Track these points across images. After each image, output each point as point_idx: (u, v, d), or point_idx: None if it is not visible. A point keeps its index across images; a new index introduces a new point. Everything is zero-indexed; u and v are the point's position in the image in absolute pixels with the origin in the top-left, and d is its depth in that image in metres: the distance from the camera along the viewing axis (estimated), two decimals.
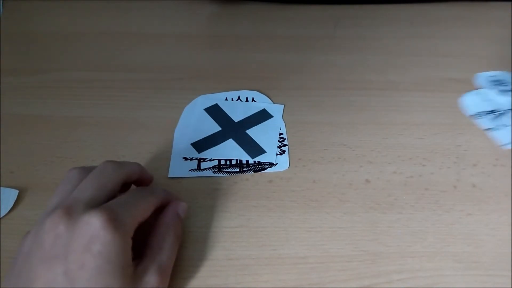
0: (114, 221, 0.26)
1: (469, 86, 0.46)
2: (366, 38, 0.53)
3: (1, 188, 0.35)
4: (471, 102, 0.41)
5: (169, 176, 0.37)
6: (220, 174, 0.37)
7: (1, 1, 0.58)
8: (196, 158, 0.38)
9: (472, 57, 0.50)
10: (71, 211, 0.26)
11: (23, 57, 0.51)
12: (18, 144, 0.40)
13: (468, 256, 0.31)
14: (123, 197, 0.29)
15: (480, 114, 0.39)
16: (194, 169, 0.37)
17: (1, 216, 0.34)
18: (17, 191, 0.35)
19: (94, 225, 0.25)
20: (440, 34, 0.54)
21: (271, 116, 0.42)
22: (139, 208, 0.29)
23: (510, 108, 0.39)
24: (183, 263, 0.31)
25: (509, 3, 0.58)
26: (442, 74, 0.48)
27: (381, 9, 0.58)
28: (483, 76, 0.42)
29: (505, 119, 0.38)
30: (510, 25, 0.55)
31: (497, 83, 0.41)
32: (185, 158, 0.38)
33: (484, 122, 0.39)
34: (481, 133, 0.40)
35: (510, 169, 0.37)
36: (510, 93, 0.40)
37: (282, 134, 0.41)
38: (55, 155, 0.39)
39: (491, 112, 0.39)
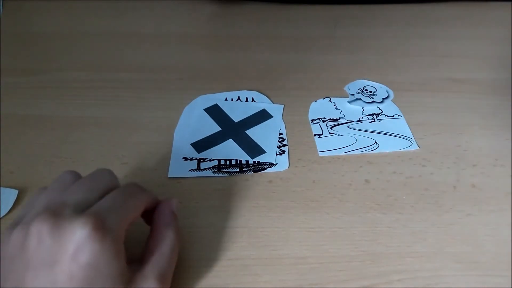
0: (101, 229, 0.24)
1: (469, 86, 0.46)
2: (366, 38, 0.53)
3: (1, 188, 0.35)
4: (315, 108, 0.43)
5: (169, 176, 0.37)
6: (220, 174, 0.37)
7: (1, 1, 0.58)
8: (196, 158, 0.38)
9: (472, 57, 0.50)
10: (57, 215, 0.25)
11: (23, 57, 0.51)
12: (18, 144, 0.40)
13: (468, 256, 0.31)
14: (111, 195, 0.27)
15: (317, 120, 0.41)
16: (194, 169, 0.37)
17: (1, 216, 0.34)
18: (17, 191, 0.35)
19: (80, 234, 0.24)
20: (440, 34, 0.54)
21: (271, 116, 0.42)
22: (128, 208, 0.27)
23: (353, 120, 0.41)
24: (183, 263, 0.31)
25: (509, 3, 0.58)
26: (442, 74, 0.48)
27: (381, 9, 0.58)
28: (356, 84, 0.44)
29: (340, 129, 0.40)
30: (510, 25, 0.55)
31: (368, 93, 0.43)
32: (185, 158, 0.38)
33: (316, 128, 0.40)
34: (480, 133, 0.41)
35: (510, 169, 0.37)
36: (374, 104, 0.42)
37: (282, 134, 0.41)
38: (55, 155, 0.39)
39: (332, 120, 0.41)
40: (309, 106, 0.43)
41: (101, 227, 0.24)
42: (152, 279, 0.26)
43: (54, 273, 0.24)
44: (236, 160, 0.38)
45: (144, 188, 0.30)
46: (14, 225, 0.26)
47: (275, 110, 0.43)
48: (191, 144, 0.39)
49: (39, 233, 0.24)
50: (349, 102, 0.44)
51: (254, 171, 0.37)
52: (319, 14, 0.57)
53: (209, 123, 0.42)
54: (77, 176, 0.29)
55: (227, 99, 0.44)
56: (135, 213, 0.28)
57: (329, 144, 0.39)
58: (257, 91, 0.45)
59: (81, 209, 0.25)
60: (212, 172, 0.37)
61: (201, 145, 0.39)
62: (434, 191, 0.36)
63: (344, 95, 0.45)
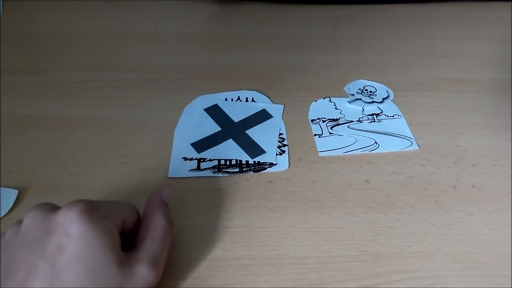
0: (92, 210, 0.25)
1: (469, 86, 0.46)
2: (366, 38, 0.53)
3: (1, 188, 0.35)
4: (315, 108, 0.43)
5: (169, 176, 0.37)
6: (220, 174, 0.37)
7: (1, 1, 0.58)
8: (196, 158, 0.38)
9: (472, 57, 0.50)
10: (52, 204, 0.26)
11: (23, 57, 0.51)
12: (18, 144, 0.40)
13: (468, 256, 0.31)
14: (106, 200, 0.29)
15: (317, 120, 0.41)
16: (194, 169, 0.37)
17: (1, 216, 0.34)
18: (17, 191, 0.35)
19: (72, 212, 0.25)
20: (440, 34, 0.54)
21: (271, 116, 0.42)
22: (119, 206, 0.29)
23: (353, 120, 0.41)
24: (183, 263, 0.31)
25: (509, 3, 0.58)
26: (442, 74, 0.48)
27: (381, 9, 0.58)
28: (356, 84, 0.44)
29: (340, 129, 0.40)
30: (510, 25, 0.55)
31: (367, 93, 0.43)
32: (185, 158, 0.38)
33: (316, 128, 0.40)
34: (480, 133, 0.41)
35: (510, 169, 0.37)
36: (374, 104, 0.42)
37: (282, 134, 0.41)
38: (55, 155, 0.39)
39: (332, 120, 0.41)
40: (309, 106, 0.43)
41: (93, 208, 0.26)
42: (145, 263, 0.26)
43: (43, 247, 0.24)
44: (236, 160, 0.38)
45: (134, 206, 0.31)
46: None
47: (275, 110, 0.43)
48: (191, 144, 0.39)
49: (34, 215, 0.26)
50: (349, 102, 0.44)
51: (254, 171, 0.37)
52: (319, 14, 0.57)
53: (209, 123, 0.42)
54: None
55: (227, 99, 0.44)
56: (126, 214, 0.28)
57: (329, 144, 0.39)
58: (257, 91, 0.45)
59: None
60: (212, 172, 0.37)
61: (201, 145, 0.39)
62: (434, 191, 0.36)
63: (344, 95, 0.45)
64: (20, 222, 0.26)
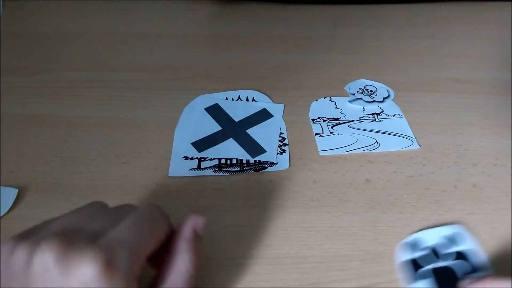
0: (110, 268, 0.22)
1: (469, 86, 0.46)
2: (366, 38, 0.53)
3: (1, 187, 0.35)
4: (315, 108, 0.43)
5: (169, 175, 0.37)
6: (221, 173, 0.37)
7: (1, 1, 0.58)
8: (197, 158, 0.38)
9: (472, 57, 0.50)
10: (66, 242, 0.22)
11: (23, 56, 0.51)
12: (18, 144, 0.40)
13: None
14: (127, 223, 0.25)
15: (318, 120, 0.41)
16: (195, 168, 0.37)
17: (1, 215, 0.34)
18: (17, 190, 0.35)
19: (87, 271, 0.21)
20: (440, 34, 0.54)
21: (271, 116, 0.42)
22: (145, 239, 0.25)
23: (354, 119, 0.41)
24: None
25: (509, 3, 0.58)
26: (442, 74, 0.48)
27: (381, 9, 0.58)
28: (357, 84, 0.44)
29: (340, 129, 0.40)
30: (510, 25, 0.55)
31: (368, 92, 0.43)
32: (186, 158, 0.38)
33: (317, 127, 0.40)
34: (481, 133, 0.41)
35: (510, 168, 0.37)
36: (375, 103, 0.42)
37: (282, 133, 0.41)
38: (55, 155, 0.39)
39: (333, 119, 0.41)
40: (309, 105, 0.43)
41: (111, 264, 0.22)
42: None
43: None
44: (237, 159, 0.38)
45: (165, 213, 0.27)
46: (22, 237, 0.23)
47: (276, 109, 0.43)
48: (192, 143, 0.39)
49: (45, 259, 0.22)
50: (349, 101, 0.44)
51: (254, 170, 0.37)
52: (319, 14, 0.57)
53: (209, 123, 0.42)
54: (103, 206, 0.27)
55: (228, 98, 0.44)
56: (152, 244, 0.25)
57: (329, 144, 0.39)
58: (258, 91, 0.45)
59: (94, 238, 0.23)
60: (213, 171, 0.37)
61: (201, 144, 0.39)
62: (435, 190, 0.36)
63: (344, 94, 0.45)
64: (33, 247, 0.22)
